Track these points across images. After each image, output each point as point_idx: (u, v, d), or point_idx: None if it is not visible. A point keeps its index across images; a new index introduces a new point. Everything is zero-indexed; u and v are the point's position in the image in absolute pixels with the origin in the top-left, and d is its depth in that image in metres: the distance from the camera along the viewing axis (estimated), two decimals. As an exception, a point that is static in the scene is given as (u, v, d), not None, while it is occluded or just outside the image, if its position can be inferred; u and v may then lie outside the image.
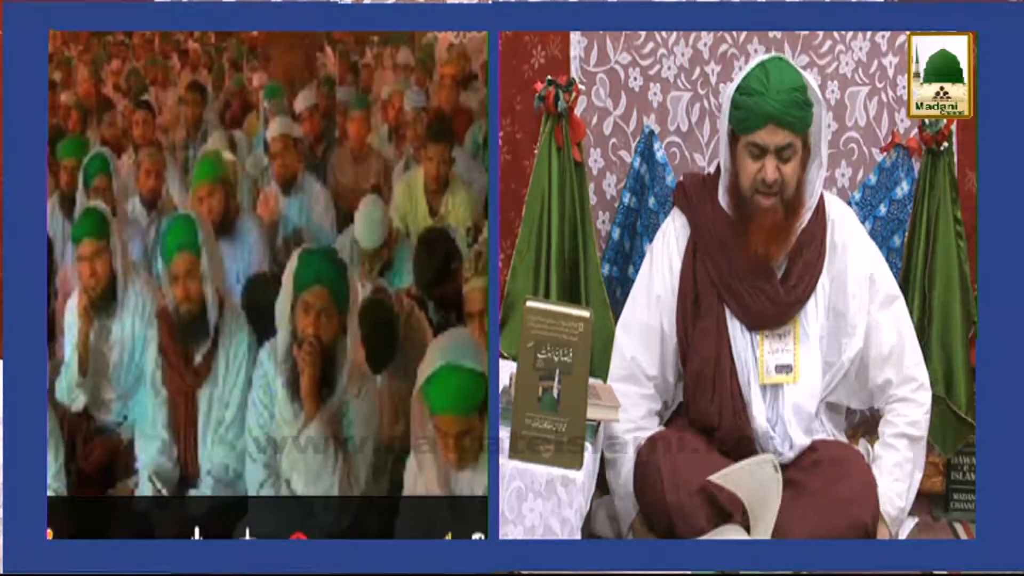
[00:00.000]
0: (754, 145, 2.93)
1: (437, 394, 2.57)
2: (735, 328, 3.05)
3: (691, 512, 2.90)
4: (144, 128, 4.97)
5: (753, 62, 2.98)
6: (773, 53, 3.02)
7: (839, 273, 3.05)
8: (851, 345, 3.05)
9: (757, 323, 3.04)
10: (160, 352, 3.12)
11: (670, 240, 3.13)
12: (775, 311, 3.02)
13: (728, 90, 2.99)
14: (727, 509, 2.91)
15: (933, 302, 3.41)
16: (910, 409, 3.07)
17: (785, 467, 3.04)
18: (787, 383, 3.03)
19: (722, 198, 3.05)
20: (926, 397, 3.10)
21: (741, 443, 3.03)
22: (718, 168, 3.09)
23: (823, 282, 3.04)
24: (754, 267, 3.01)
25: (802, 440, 3.04)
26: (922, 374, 3.10)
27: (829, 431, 3.13)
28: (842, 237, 3.07)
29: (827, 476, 2.95)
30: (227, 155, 4.29)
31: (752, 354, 3.04)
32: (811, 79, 2.98)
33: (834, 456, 3.01)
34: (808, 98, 2.93)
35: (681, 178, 3.28)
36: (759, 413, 3.03)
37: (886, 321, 3.06)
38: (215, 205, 3.97)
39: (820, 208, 3.06)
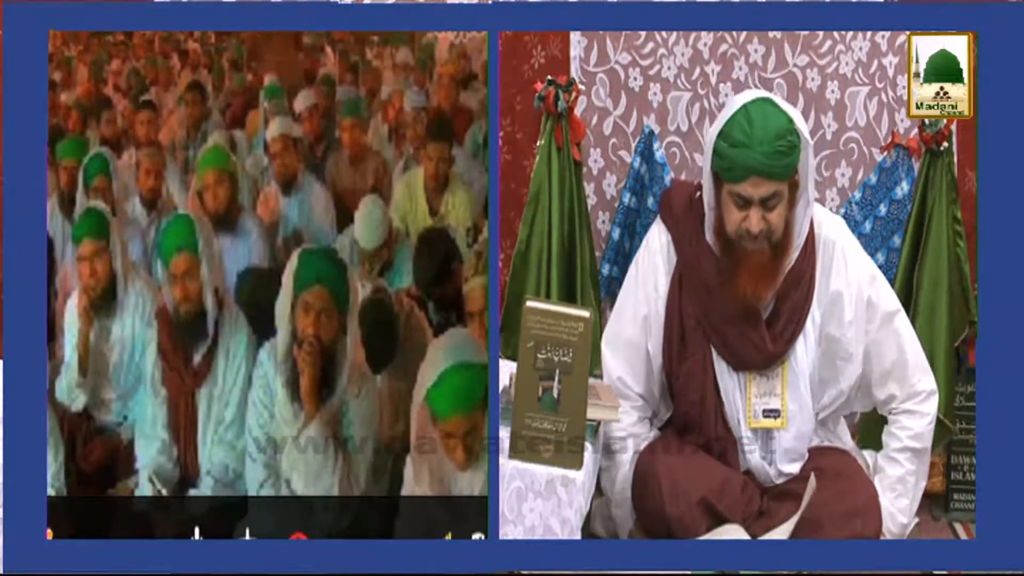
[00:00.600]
0: (738, 196, 2.83)
1: (444, 398, 2.55)
2: (722, 368, 3.00)
3: (691, 523, 2.90)
4: (147, 128, 4.97)
5: (736, 103, 2.86)
6: (756, 94, 2.88)
7: (834, 300, 2.98)
8: (849, 371, 3.01)
9: (743, 366, 3.00)
10: (159, 352, 3.12)
11: (656, 259, 3.06)
12: (761, 358, 2.98)
13: (711, 132, 2.89)
14: (727, 518, 2.92)
15: (920, 302, 3.40)
16: (913, 421, 3.05)
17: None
18: (775, 428, 3.01)
19: (708, 235, 2.96)
20: (931, 407, 3.07)
21: (737, 471, 3.02)
22: (701, 191, 3.00)
23: (813, 314, 2.98)
24: (740, 313, 2.95)
25: (795, 469, 3.03)
26: (927, 384, 3.07)
27: (828, 437, 3.13)
28: (837, 261, 2.99)
29: (829, 492, 2.92)
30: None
31: (740, 395, 3.01)
32: (797, 116, 2.87)
33: (836, 470, 2.99)
34: (793, 141, 2.81)
35: (669, 186, 3.25)
36: (751, 452, 3.02)
37: (886, 339, 3.02)
38: (220, 194, 3.98)
39: (809, 241, 2.97)
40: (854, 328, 2.99)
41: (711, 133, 2.88)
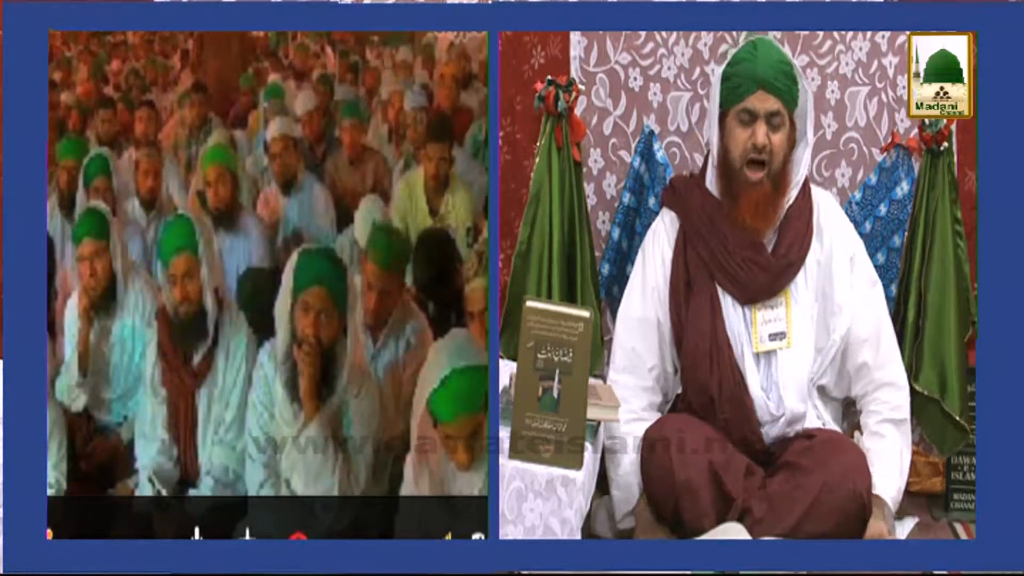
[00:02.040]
0: (744, 111, 3.02)
1: (446, 402, 2.56)
2: (727, 304, 3.11)
3: (698, 487, 2.94)
4: (145, 126, 4.98)
5: (741, 42, 3.07)
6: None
7: (825, 255, 3.12)
8: (840, 323, 3.11)
9: (750, 295, 3.10)
10: (159, 352, 3.12)
11: (660, 236, 3.20)
12: (767, 279, 3.08)
13: (717, 72, 3.08)
14: (730, 494, 2.96)
15: (928, 303, 3.40)
16: (890, 394, 3.14)
17: (780, 452, 3.09)
18: (781, 349, 3.09)
19: (711, 179, 3.13)
20: (904, 379, 3.18)
21: (741, 414, 3.08)
22: (703, 164, 3.17)
23: (813, 258, 3.11)
24: (744, 241, 3.08)
25: (796, 406, 3.09)
26: (898, 356, 3.19)
27: (825, 418, 3.17)
28: (826, 221, 3.15)
29: (820, 454, 3.00)
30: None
31: (745, 327, 3.10)
32: (796, 64, 3.08)
33: (825, 438, 3.07)
34: (795, 74, 3.03)
35: (668, 181, 3.34)
36: (754, 382, 3.08)
37: (866, 304, 3.14)
38: (222, 192, 3.99)
39: (806, 191, 3.13)
40: (841, 282, 3.11)
41: (717, 73, 3.09)
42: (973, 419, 3.47)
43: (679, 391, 3.21)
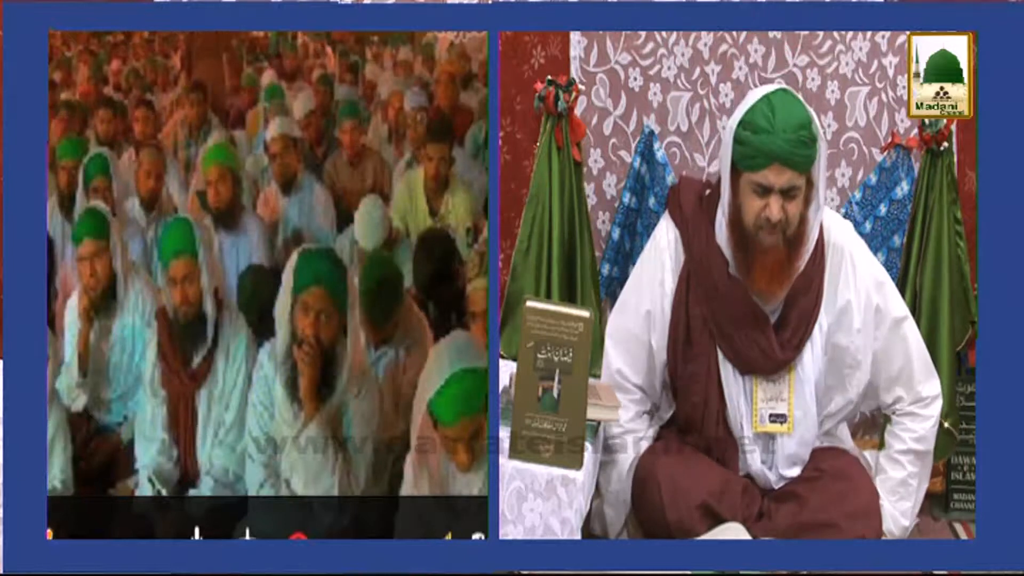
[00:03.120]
0: (759, 185, 2.84)
1: (448, 405, 2.55)
2: (727, 371, 3.00)
3: (691, 528, 2.90)
4: (143, 126, 4.98)
5: (757, 94, 2.88)
6: (778, 85, 2.92)
7: (843, 309, 2.98)
8: (856, 378, 3.01)
9: (750, 370, 2.99)
10: (159, 354, 3.12)
11: (663, 256, 3.06)
12: (768, 364, 2.98)
13: (730, 123, 2.90)
14: (728, 520, 2.92)
15: (923, 303, 3.40)
16: (917, 424, 3.05)
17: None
18: (780, 433, 3.01)
19: (721, 231, 2.96)
20: (935, 410, 3.07)
21: (737, 476, 3.02)
22: (714, 188, 3.02)
23: (821, 322, 2.98)
24: (748, 316, 2.95)
25: (796, 473, 3.04)
26: (932, 388, 3.07)
27: (829, 440, 3.13)
28: (845, 268, 2.99)
29: (830, 493, 2.94)
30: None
31: (745, 399, 3.00)
32: (814, 115, 2.89)
33: (837, 471, 3.00)
34: (813, 134, 2.83)
35: (677, 182, 3.25)
36: (753, 458, 3.02)
37: (894, 345, 3.02)
38: (223, 192, 3.99)
39: (819, 247, 2.97)
40: (862, 336, 2.99)
41: (731, 123, 2.89)
42: (965, 419, 3.48)
43: (671, 411, 3.14)
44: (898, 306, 3.04)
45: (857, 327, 2.98)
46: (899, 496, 3.03)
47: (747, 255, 2.90)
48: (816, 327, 2.98)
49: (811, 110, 2.88)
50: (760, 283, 2.90)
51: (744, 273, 2.92)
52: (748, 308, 2.94)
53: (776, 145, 2.80)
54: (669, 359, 3.05)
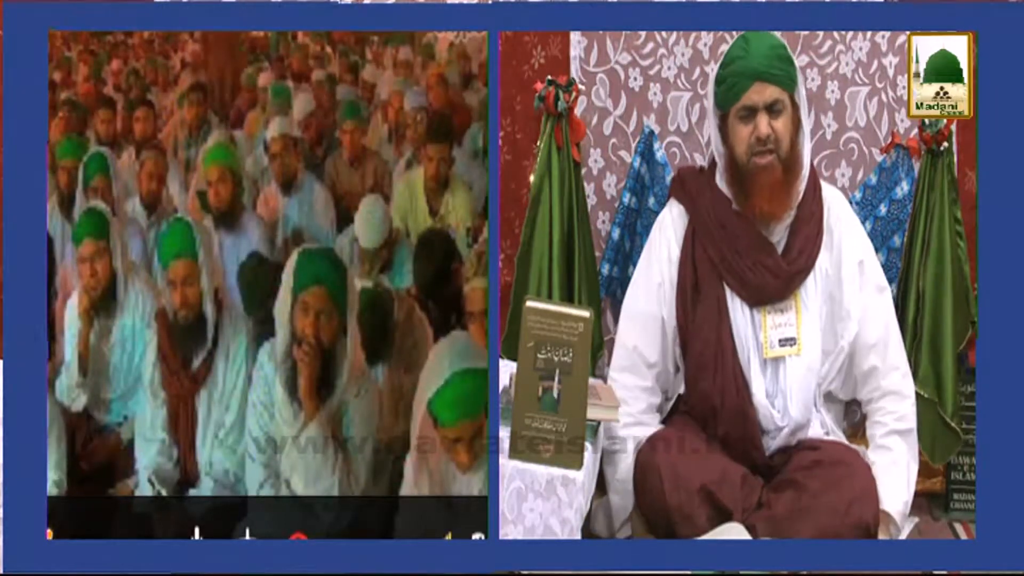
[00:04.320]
0: (744, 108, 2.96)
1: (447, 406, 2.55)
2: (735, 307, 3.06)
3: (691, 512, 2.91)
4: (144, 125, 4.98)
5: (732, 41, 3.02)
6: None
7: (834, 258, 3.08)
8: (848, 329, 3.07)
9: (759, 298, 3.05)
10: (158, 355, 3.12)
11: (667, 230, 3.16)
12: (777, 283, 3.04)
13: (711, 76, 3.03)
14: (727, 508, 2.92)
15: (927, 303, 3.40)
16: (896, 403, 3.10)
17: (783, 464, 3.06)
18: (791, 355, 3.05)
19: (721, 181, 3.07)
20: (910, 387, 3.14)
21: (742, 424, 3.04)
22: (712, 161, 3.12)
23: (822, 265, 3.07)
24: (754, 243, 3.04)
25: (800, 416, 3.06)
26: (905, 363, 3.14)
27: (829, 425, 3.14)
28: (837, 223, 3.10)
29: (828, 478, 2.94)
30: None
31: (753, 331, 3.06)
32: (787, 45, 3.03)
33: (835, 458, 3.01)
34: (789, 54, 2.97)
35: (677, 172, 3.30)
36: (759, 389, 3.04)
37: (874, 309, 3.09)
38: (223, 192, 4.00)
39: (816, 188, 3.09)
40: (850, 286, 3.07)
41: (712, 72, 3.04)
42: (965, 419, 3.48)
43: (681, 391, 3.18)
44: (880, 275, 3.15)
45: (845, 277, 3.07)
46: (892, 477, 3.04)
47: (745, 183, 3.00)
48: (819, 264, 3.07)
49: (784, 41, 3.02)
50: (761, 204, 2.99)
51: (744, 200, 3.01)
52: (754, 237, 3.03)
53: (754, 62, 2.93)
54: (678, 311, 3.11)
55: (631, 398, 3.08)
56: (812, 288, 3.07)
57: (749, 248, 3.05)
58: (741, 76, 2.94)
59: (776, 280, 3.04)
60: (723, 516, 2.92)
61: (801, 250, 3.05)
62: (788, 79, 2.96)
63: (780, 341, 3.05)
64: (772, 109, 2.95)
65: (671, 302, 3.12)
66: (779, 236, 3.06)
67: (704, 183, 3.13)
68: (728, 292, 3.07)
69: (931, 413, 3.38)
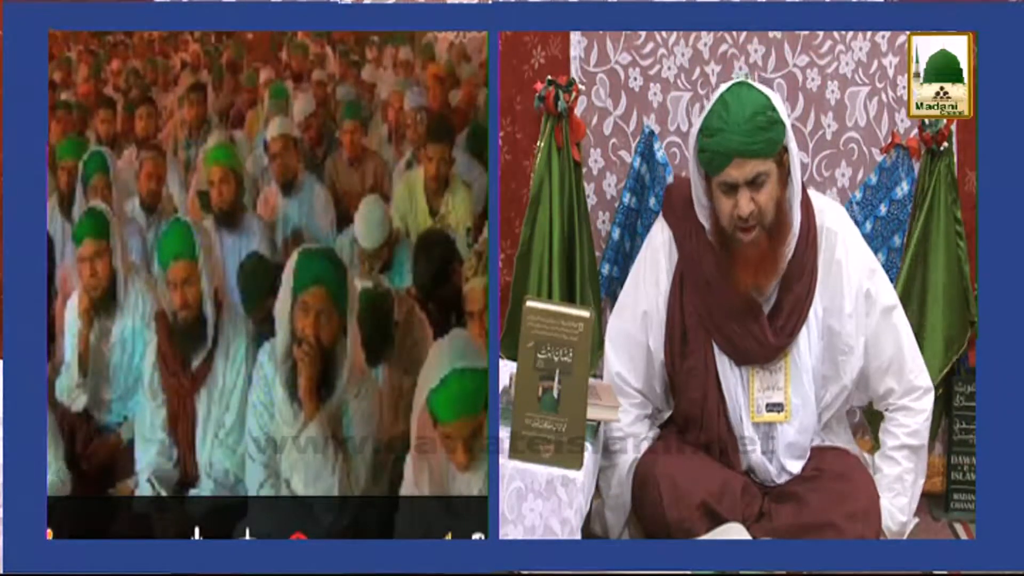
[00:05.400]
0: (723, 183, 2.83)
1: (446, 403, 2.55)
2: (724, 364, 3.00)
3: (691, 527, 2.90)
4: (145, 124, 4.98)
5: (713, 98, 2.86)
6: (732, 82, 2.90)
7: (834, 293, 2.98)
8: (850, 364, 2.99)
9: (746, 360, 3.00)
10: (158, 355, 3.12)
11: (658, 256, 3.07)
12: (763, 353, 2.98)
13: (693, 132, 2.91)
14: (729, 519, 2.92)
15: (928, 303, 3.40)
16: (910, 418, 3.04)
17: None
18: (778, 422, 3.01)
19: (707, 231, 2.97)
20: (927, 403, 3.06)
21: (734, 473, 3.01)
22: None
23: (815, 308, 2.98)
24: (741, 306, 2.95)
25: (797, 468, 3.03)
26: (923, 380, 3.06)
27: (830, 438, 3.12)
28: (838, 253, 2.98)
29: (830, 494, 2.93)
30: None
31: (743, 390, 3.01)
32: (775, 97, 2.87)
33: (837, 470, 2.99)
34: (772, 116, 2.81)
35: (669, 184, 3.26)
36: (753, 449, 3.01)
37: (884, 333, 3.00)
38: (225, 192, 3.99)
39: (811, 230, 2.96)
40: (854, 320, 2.98)
41: (693, 132, 2.90)
42: (963, 418, 3.48)
43: (671, 408, 3.15)
44: (889, 295, 3.03)
45: (848, 311, 2.97)
46: (895, 492, 3.03)
47: (730, 250, 2.90)
48: (811, 313, 2.97)
49: (771, 93, 2.87)
50: (745, 279, 2.90)
51: (729, 268, 2.91)
52: (741, 299, 2.94)
53: (732, 140, 2.79)
54: (666, 357, 3.05)
55: (620, 412, 3.00)
56: (804, 346, 2.98)
57: (735, 311, 2.95)
58: (718, 154, 2.81)
59: (762, 349, 2.97)
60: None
61: (790, 315, 2.96)
62: (770, 146, 2.81)
63: (767, 406, 3.00)
64: (754, 183, 2.82)
65: (659, 331, 3.05)
66: (768, 295, 2.97)
67: (692, 225, 2.99)
68: (715, 348, 3.00)
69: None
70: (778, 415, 2.99)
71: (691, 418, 3.04)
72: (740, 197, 2.83)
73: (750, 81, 2.92)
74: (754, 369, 3.00)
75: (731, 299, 2.94)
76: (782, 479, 3.03)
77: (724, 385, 3.00)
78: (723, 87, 2.88)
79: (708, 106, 2.87)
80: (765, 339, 2.95)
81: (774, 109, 2.83)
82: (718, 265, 2.94)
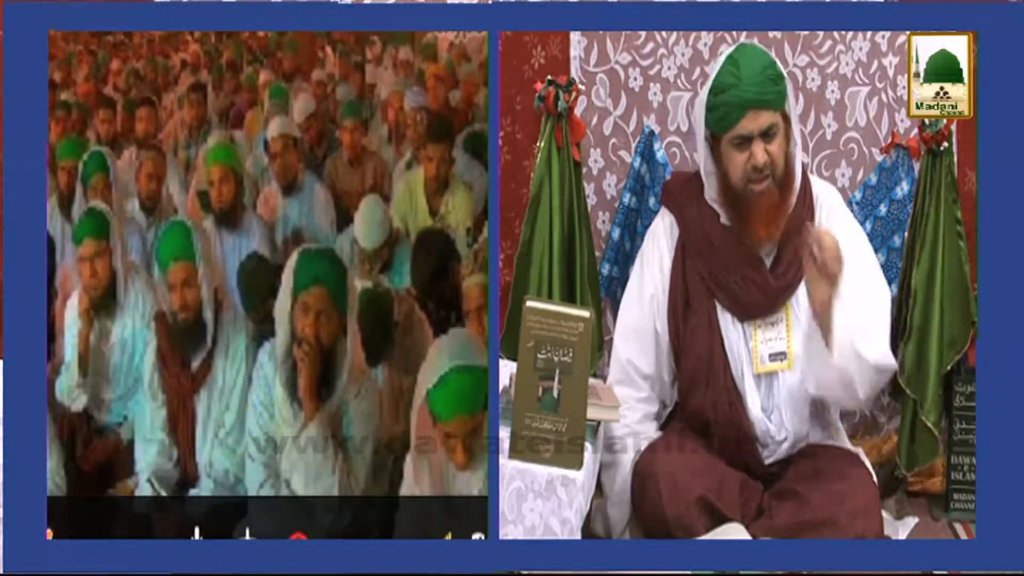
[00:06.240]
0: (738, 136, 2.92)
1: (445, 400, 2.54)
2: (726, 321, 3.05)
3: (690, 523, 2.90)
4: (145, 124, 4.98)
5: (719, 61, 2.97)
6: (738, 43, 3.05)
7: None
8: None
9: (748, 314, 3.04)
10: (158, 356, 3.12)
11: (660, 241, 3.15)
12: (765, 300, 3.03)
13: (700, 98, 3.00)
14: (727, 517, 2.92)
15: (918, 302, 3.40)
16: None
17: (783, 471, 3.06)
18: (782, 370, 3.03)
19: (712, 199, 3.04)
20: (888, 363, 2.97)
21: (737, 437, 3.03)
22: (699, 172, 3.08)
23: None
24: (743, 258, 3.02)
25: (799, 428, 3.05)
26: (888, 359, 2.98)
27: (824, 433, 3.13)
28: (829, 223, 3.05)
29: (830, 492, 2.94)
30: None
31: (745, 346, 3.05)
32: (773, 54, 3.01)
33: (836, 469, 3.00)
34: (779, 71, 2.95)
35: (666, 180, 3.30)
36: (754, 404, 3.04)
37: (858, 296, 2.96)
38: (226, 192, 4.00)
39: (806, 190, 3.06)
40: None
41: (701, 96, 2.99)
42: (963, 418, 3.48)
43: (677, 400, 3.18)
44: (875, 273, 3.06)
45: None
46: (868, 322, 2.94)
47: (740, 208, 2.98)
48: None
49: (769, 51, 3.01)
50: (759, 231, 2.98)
51: (741, 225, 3.00)
52: (742, 253, 3.02)
53: (746, 92, 2.89)
54: (670, 325, 3.10)
55: (627, 409, 3.06)
56: (803, 299, 3.01)
57: (737, 263, 3.03)
58: (734, 106, 2.90)
59: (764, 297, 3.03)
60: (722, 523, 2.92)
61: (790, 263, 3.02)
62: (780, 98, 2.93)
63: (770, 356, 3.04)
64: (766, 135, 2.92)
65: (663, 312, 3.11)
66: (768, 249, 3.04)
67: (692, 194, 3.10)
68: (718, 306, 3.06)
69: (911, 412, 3.39)
70: (781, 363, 3.03)
71: (696, 376, 3.06)
72: (755, 148, 2.91)
73: (751, 43, 3.04)
74: (756, 324, 3.05)
75: (733, 253, 3.02)
76: (781, 435, 3.03)
77: (727, 341, 3.05)
78: (726, 50, 2.98)
79: (714, 70, 2.96)
80: (767, 285, 3.01)
81: (777, 66, 2.96)
82: (721, 221, 3.02)
